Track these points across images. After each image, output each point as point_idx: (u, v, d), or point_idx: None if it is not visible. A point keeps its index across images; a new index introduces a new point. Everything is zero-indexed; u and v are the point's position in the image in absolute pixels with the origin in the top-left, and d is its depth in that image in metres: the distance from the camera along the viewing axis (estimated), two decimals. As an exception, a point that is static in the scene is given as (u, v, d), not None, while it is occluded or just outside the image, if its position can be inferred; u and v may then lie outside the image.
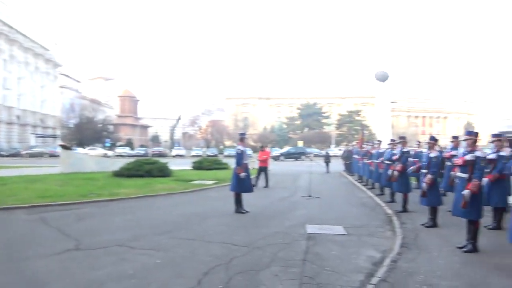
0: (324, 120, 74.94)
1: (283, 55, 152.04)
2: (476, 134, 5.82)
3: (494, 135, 7.11)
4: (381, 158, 11.03)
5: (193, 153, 50.86)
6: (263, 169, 14.17)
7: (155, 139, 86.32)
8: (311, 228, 7.22)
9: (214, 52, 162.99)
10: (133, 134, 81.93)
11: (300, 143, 61.95)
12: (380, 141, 13.11)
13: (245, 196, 8.91)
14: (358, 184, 15.23)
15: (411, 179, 10.18)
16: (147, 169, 15.74)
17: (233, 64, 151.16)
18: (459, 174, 5.83)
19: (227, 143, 75.88)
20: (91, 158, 24.83)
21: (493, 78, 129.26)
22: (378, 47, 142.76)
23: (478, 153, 5.54)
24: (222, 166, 21.97)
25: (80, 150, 45.03)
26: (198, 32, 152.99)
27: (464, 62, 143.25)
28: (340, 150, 41.56)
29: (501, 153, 6.52)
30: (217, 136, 74.49)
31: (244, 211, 8.72)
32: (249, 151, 11.63)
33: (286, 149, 51.28)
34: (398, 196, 9.60)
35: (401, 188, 9.12)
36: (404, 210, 8.84)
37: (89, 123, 66.63)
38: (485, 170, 6.77)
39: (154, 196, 11.02)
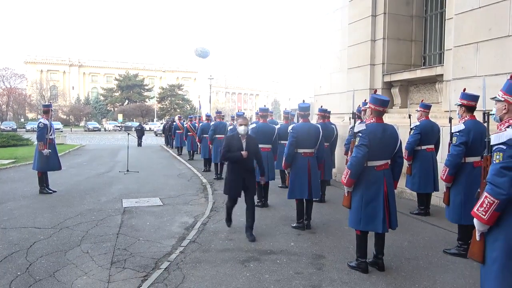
0: (145, 93, 72.40)
1: (95, 20, 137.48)
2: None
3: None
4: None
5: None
6: None
7: None
8: (127, 202, 7.19)
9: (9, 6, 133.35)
10: None
11: (120, 116, 58.71)
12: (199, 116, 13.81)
13: (57, 174, 8.04)
14: (178, 157, 15.74)
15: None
16: None
17: (34, 23, 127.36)
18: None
19: (30, 115, 65.07)
20: None
21: (292, 63, 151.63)
22: (198, 23, 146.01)
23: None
24: (23, 143, 19.15)
25: None
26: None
27: (271, 45, 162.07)
28: (161, 123, 41.38)
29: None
30: (16, 107, 62.64)
31: (51, 191, 7.91)
32: (58, 125, 10.43)
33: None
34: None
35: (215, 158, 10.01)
36: (218, 177, 9.76)
37: None
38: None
39: None
